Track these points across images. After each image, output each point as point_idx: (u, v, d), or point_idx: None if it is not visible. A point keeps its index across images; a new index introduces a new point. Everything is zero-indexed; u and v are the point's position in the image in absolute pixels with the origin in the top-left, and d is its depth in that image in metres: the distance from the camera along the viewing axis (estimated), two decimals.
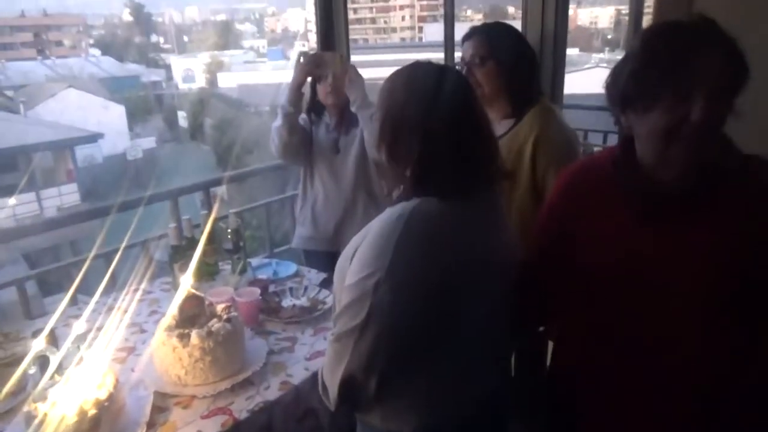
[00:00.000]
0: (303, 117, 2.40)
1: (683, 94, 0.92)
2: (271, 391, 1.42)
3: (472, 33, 1.80)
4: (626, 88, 1.00)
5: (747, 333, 1.02)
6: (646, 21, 3.41)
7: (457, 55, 1.95)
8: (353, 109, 2.22)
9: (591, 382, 1.18)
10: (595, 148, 3.37)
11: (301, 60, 2.21)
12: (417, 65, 1.16)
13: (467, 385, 1.18)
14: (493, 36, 1.77)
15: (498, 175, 1.17)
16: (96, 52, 33.56)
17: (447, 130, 1.08)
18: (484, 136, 1.14)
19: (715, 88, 0.91)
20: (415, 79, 1.13)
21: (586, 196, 1.17)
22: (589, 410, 1.20)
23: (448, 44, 2.79)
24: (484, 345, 1.19)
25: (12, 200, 14.48)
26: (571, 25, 2.63)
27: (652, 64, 0.95)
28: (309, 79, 2.28)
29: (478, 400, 1.19)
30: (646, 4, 3.48)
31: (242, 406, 1.35)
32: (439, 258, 1.06)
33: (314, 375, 1.48)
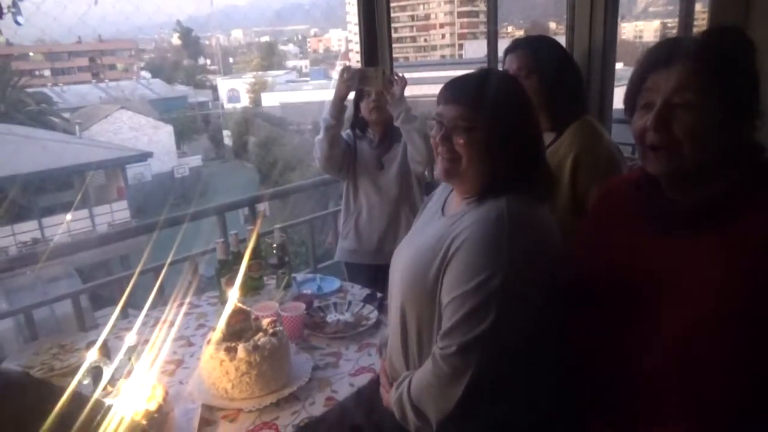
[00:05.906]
0: (348, 133, 2.43)
1: (647, 103, 0.99)
2: (316, 406, 1.42)
3: (516, 46, 1.79)
4: (624, 98, 1.08)
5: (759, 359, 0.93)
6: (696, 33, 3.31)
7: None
8: (397, 123, 2.23)
9: (590, 403, 1.13)
10: None
11: (344, 75, 2.23)
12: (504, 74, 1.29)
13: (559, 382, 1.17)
14: (537, 49, 1.76)
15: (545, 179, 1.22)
16: (147, 74, 35.03)
17: (531, 132, 1.17)
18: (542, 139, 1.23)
19: (671, 99, 0.95)
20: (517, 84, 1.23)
21: (612, 214, 1.18)
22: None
23: (492, 60, 2.78)
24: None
25: (68, 216, 15.11)
26: None
27: (633, 75, 1.03)
28: (352, 94, 2.30)
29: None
30: (695, 17, 3.39)
31: (288, 421, 1.36)
32: (547, 250, 1.12)
33: (359, 392, 1.48)
